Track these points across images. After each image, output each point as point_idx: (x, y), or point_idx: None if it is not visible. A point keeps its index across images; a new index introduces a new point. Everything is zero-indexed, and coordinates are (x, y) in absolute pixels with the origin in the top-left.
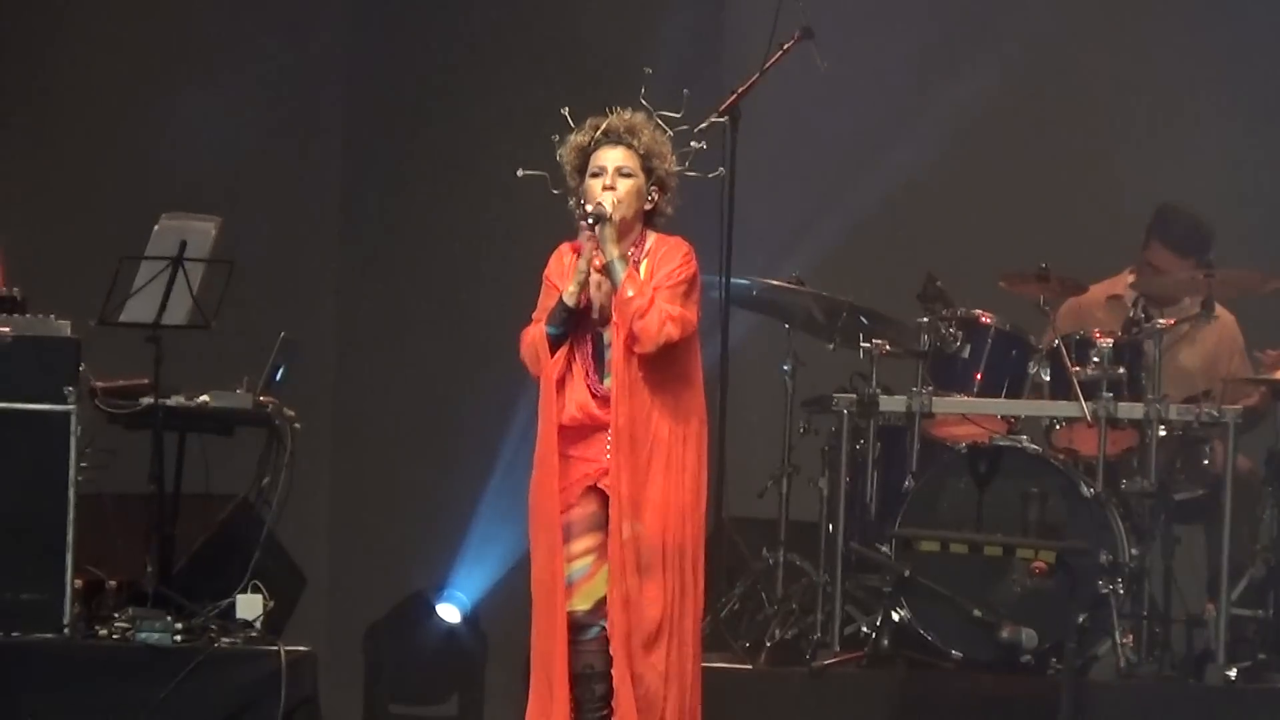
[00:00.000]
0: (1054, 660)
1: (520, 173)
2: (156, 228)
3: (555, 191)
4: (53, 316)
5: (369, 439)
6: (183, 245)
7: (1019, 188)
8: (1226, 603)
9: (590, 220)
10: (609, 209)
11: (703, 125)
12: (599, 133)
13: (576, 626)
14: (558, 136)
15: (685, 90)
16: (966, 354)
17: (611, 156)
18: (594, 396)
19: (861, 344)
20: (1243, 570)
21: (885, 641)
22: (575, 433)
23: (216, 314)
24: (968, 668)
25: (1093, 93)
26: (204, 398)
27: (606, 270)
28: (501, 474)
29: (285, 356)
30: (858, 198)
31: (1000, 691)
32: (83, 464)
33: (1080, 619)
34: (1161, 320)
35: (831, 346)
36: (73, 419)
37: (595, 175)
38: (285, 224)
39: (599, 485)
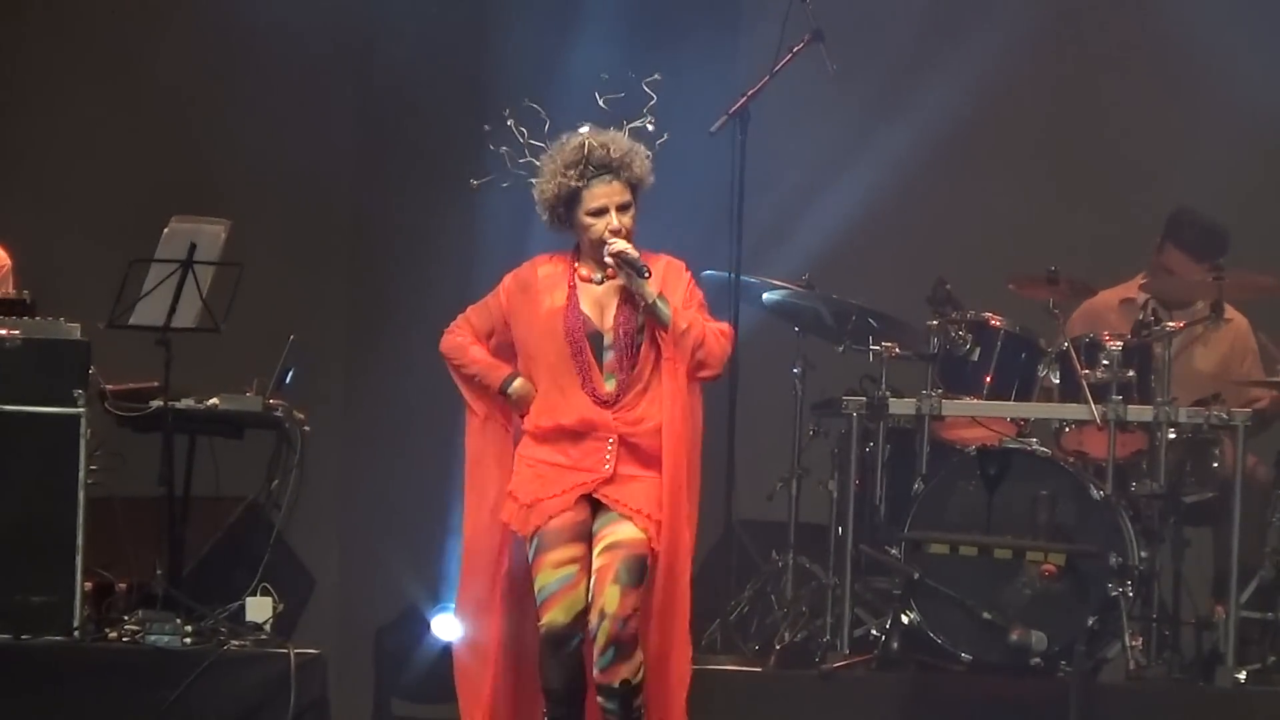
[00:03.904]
0: (1063, 663)
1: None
2: (166, 230)
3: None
4: (62, 319)
5: (378, 441)
6: (192, 248)
7: (1028, 190)
8: (1236, 605)
9: (645, 276)
10: (636, 254)
11: (714, 127)
12: (585, 166)
13: (556, 639)
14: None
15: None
16: (976, 357)
17: (609, 194)
18: (596, 404)
19: (871, 347)
20: (1252, 573)
21: (895, 644)
22: (569, 439)
23: (226, 317)
24: (977, 670)
25: (1101, 95)
26: (213, 400)
27: (650, 311)
28: None
29: (295, 359)
30: (867, 200)
31: (1010, 694)
32: (92, 467)
33: (1090, 621)
34: (1171, 323)
35: (841, 349)
36: (82, 422)
37: (594, 215)
38: (295, 227)
39: (595, 494)
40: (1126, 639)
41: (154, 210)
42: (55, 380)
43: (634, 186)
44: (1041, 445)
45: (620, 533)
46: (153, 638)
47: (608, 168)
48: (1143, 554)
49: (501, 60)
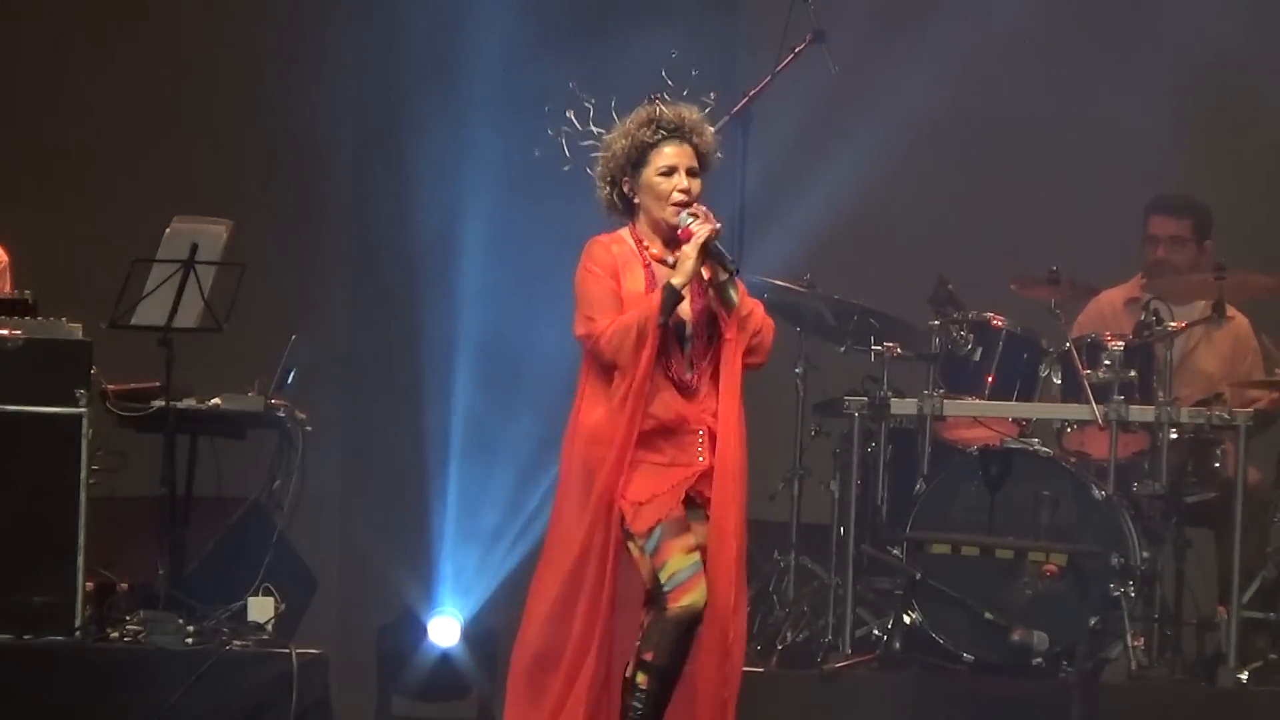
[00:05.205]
0: (1065, 663)
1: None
2: (168, 231)
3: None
4: (64, 319)
5: (380, 441)
6: (194, 248)
7: (1030, 190)
8: (1237, 605)
9: (735, 272)
10: (703, 222)
11: (715, 128)
12: (658, 127)
13: (693, 621)
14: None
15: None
16: (978, 357)
17: (679, 155)
18: (681, 393)
19: (873, 347)
20: (1254, 573)
21: (897, 644)
22: (664, 435)
23: (228, 317)
24: (979, 670)
25: (1105, 94)
26: (215, 400)
27: (719, 289)
28: (512, 475)
29: (296, 359)
30: (869, 200)
31: (1011, 694)
32: (94, 467)
33: (1091, 622)
34: (1173, 323)
35: (843, 349)
36: (84, 422)
37: (664, 174)
38: (296, 227)
39: (691, 490)
40: (1128, 639)
41: (156, 210)
42: (57, 380)
43: (702, 158)
44: (1043, 445)
45: (703, 536)
46: (154, 638)
47: (679, 130)
48: (1144, 554)
49: (509, 66)
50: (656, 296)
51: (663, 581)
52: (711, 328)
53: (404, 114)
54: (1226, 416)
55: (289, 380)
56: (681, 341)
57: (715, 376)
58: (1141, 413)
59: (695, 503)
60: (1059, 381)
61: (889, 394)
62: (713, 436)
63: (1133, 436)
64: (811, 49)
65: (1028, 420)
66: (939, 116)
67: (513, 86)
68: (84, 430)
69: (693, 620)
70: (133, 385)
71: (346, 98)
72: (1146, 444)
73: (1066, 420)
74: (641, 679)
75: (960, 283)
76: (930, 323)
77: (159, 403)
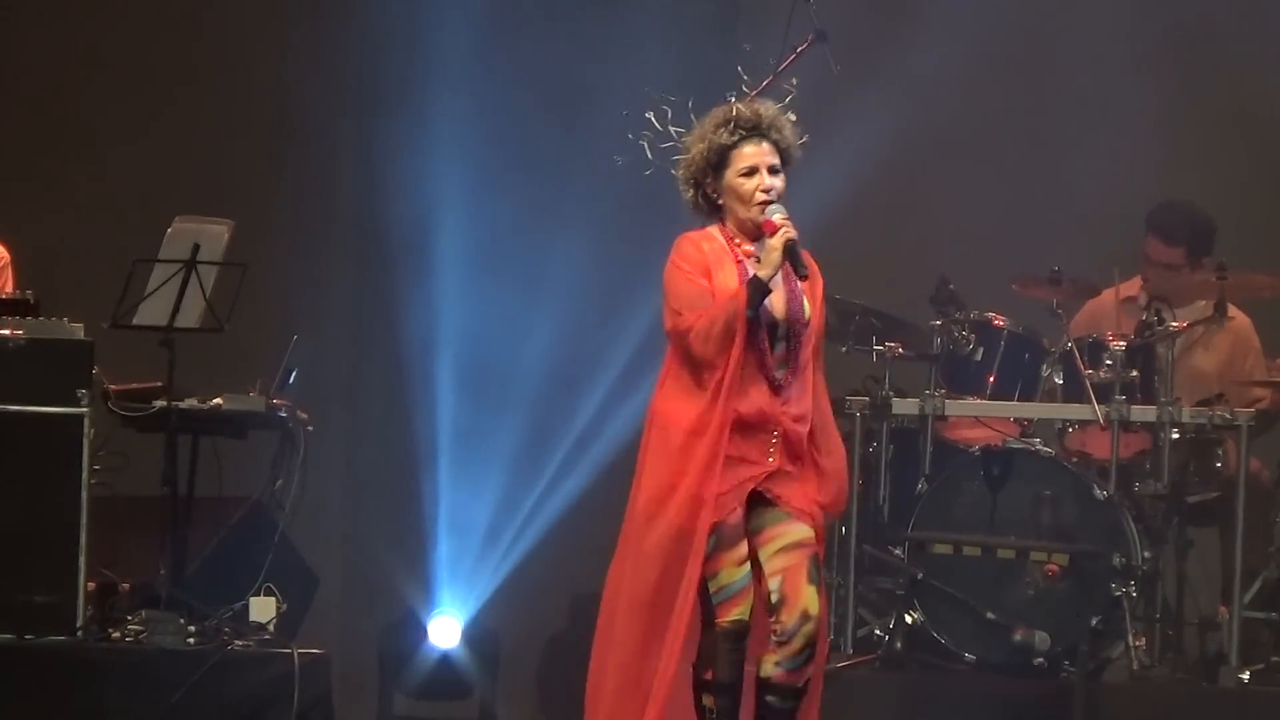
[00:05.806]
0: (1067, 663)
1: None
2: (170, 230)
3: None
4: (66, 319)
5: (381, 441)
6: (196, 248)
7: (1031, 190)
8: (1239, 606)
9: (802, 276)
10: (782, 224)
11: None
12: (735, 126)
13: (740, 635)
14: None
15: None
16: (979, 357)
17: (759, 154)
18: (771, 395)
19: (874, 347)
20: (1256, 573)
21: (898, 644)
22: (740, 430)
23: (229, 317)
24: (981, 670)
25: (1105, 94)
26: (217, 400)
27: None
28: (514, 475)
29: (298, 359)
30: (870, 200)
31: (1013, 694)
32: (96, 467)
33: (1093, 622)
34: (1174, 323)
35: (844, 349)
36: (86, 422)
37: (745, 175)
38: (298, 227)
39: (761, 489)
40: (1130, 639)
41: (157, 210)
42: (59, 380)
43: (783, 153)
44: (1045, 445)
45: (799, 531)
46: (156, 638)
47: (757, 128)
48: (1146, 554)
49: (505, 67)
50: (743, 290)
51: (712, 592)
52: (805, 329)
53: (407, 113)
54: (1228, 416)
55: (290, 380)
56: (773, 341)
57: (802, 380)
58: (1143, 412)
59: (765, 499)
60: (1060, 381)
61: (891, 394)
62: (786, 438)
63: (1134, 436)
64: (814, 49)
65: (1029, 420)
66: (940, 115)
67: (512, 86)
68: (85, 430)
69: (740, 633)
70: (134, 385)
71: (349, 97)
72: (1148, 444)
73: (1068, 420)
74: (708, 700)
75: (961, 282)
76: (932, 322)
77: (161, 403)
